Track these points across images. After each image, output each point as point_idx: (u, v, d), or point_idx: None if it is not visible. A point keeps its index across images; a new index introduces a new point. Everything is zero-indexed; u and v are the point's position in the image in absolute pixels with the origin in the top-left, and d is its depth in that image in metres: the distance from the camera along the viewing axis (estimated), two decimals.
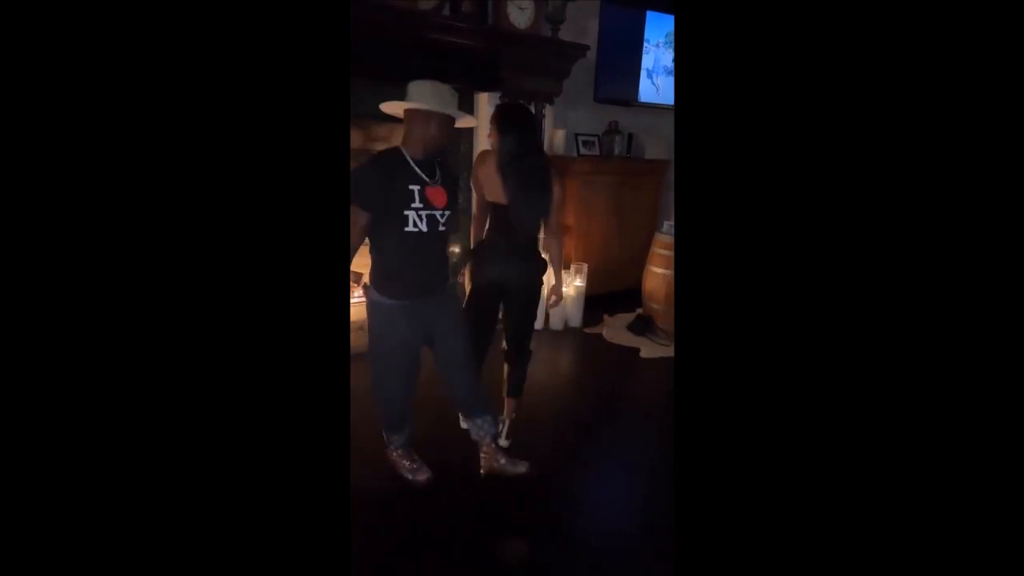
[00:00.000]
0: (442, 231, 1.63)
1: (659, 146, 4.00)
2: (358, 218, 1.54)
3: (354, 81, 2.66)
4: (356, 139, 3.15)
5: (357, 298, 3.19)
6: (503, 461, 1.93)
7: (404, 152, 1.58)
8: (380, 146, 3.28)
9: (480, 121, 3.16)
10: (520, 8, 2.98)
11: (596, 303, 3.73)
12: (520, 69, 3.01)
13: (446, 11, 2.77)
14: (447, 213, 1.62)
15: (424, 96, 1.52)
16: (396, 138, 3.25)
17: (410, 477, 1.89)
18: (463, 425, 2.10)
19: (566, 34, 3.14)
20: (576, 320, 3.56)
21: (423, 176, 1.57)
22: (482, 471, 1.93)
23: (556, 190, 1.88)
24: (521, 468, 1.92)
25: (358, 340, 2.94)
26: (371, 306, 1.69)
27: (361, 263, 2.99)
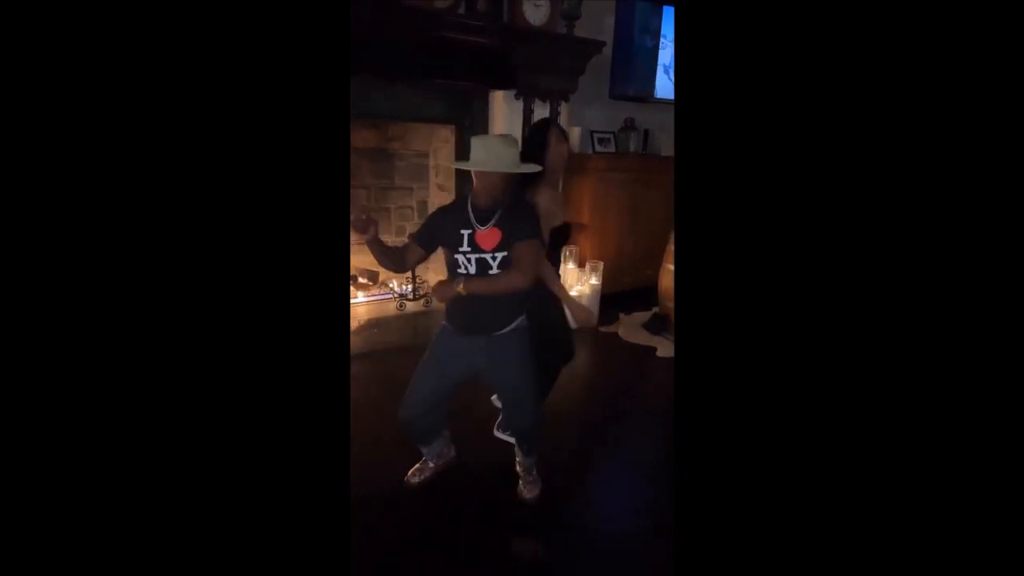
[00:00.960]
0: (494, 275, 1.64)
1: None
2: (411, 251, 1.73)
3: (370, 81, 2.69)
4: (371, 138, 3.18)
5: (358, 299, 3.23)
6: (519, 474, 1.94)
7: (468, 200, 1.66)
8: (395, 145, 3.31)
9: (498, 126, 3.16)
10: (535, 5, 2.96)
11: (612, 301, 3.71)
12: (535, 67, 3.00)
13: (461, 9, 2.77)
14: (500, 256, 1.63)
15: (478, 160, 1.57)
16: (411, 138, 3.30)
17: (408, 472, 1.95)
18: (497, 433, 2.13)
19: (581, 30, 3.12)
20: (591, 319, 3.54)
21: (475, 222, 1.62)
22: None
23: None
24: (528, 494, 1.90)
25: (358, 342, 2.98)
26: (441, 328, 1.82)
27: (367, 260, 2.99)
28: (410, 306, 3.21)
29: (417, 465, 1.96)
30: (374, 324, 3.03)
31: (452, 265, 1.66)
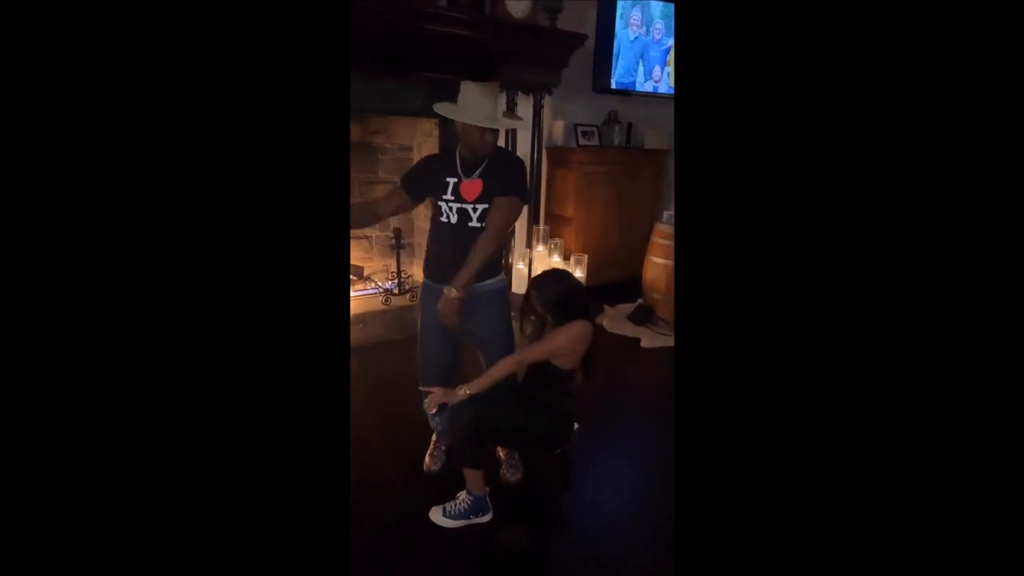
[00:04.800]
0: (474, 227, 1.66)
1: (658, 136, 3.99)
2: (394, 192, 1.75)
3: (352, 74, 2.65)
4: (354, 132, 3.14)
5: (357, 292, 3.21)
6: (501, 458, 1.96)
7: (457, 150, 1.67)
8: (378, 139, 3.28)
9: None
10: None
11: (597, 293, 3.74)
12: (518, 60, 3.00)
13: (443, 2, 2.75)
14: (481, 207, 1.65)
15: (456, 108, 1.58)
16: (394, 131, 3.28)
17: (426, 459, 1.98)
18: None
19: (564, 23, 3.12)
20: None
21: (461, 172, 1.64)
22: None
23: None
24: (511, 477, 1.93)
25: (358, 334, 2.97)
26: (422, 286, 1.86)
27: (360, 257, 3.00)
28: (395, 301, 3.20)
29: (430, 450, 1.98)
30: (360, 319, 3.02)
31: (435, 210, 1.71)
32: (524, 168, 1.71)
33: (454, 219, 1.66)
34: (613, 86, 3.66)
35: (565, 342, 1.60)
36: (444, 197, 1.65)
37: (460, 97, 1.58)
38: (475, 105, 1.55)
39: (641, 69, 3.74)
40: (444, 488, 1.81)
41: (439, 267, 1.74)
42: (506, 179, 1.64)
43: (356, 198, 3.31)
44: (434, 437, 2.01)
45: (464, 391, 1.63)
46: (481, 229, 1.65)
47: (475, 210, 1.65)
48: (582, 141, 3.73)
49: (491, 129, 1.59)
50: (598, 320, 3.54)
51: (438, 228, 1.72)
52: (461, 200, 1.64)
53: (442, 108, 1.64)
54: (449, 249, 1.69)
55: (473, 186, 1.64)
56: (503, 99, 1.63)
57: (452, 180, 1.64)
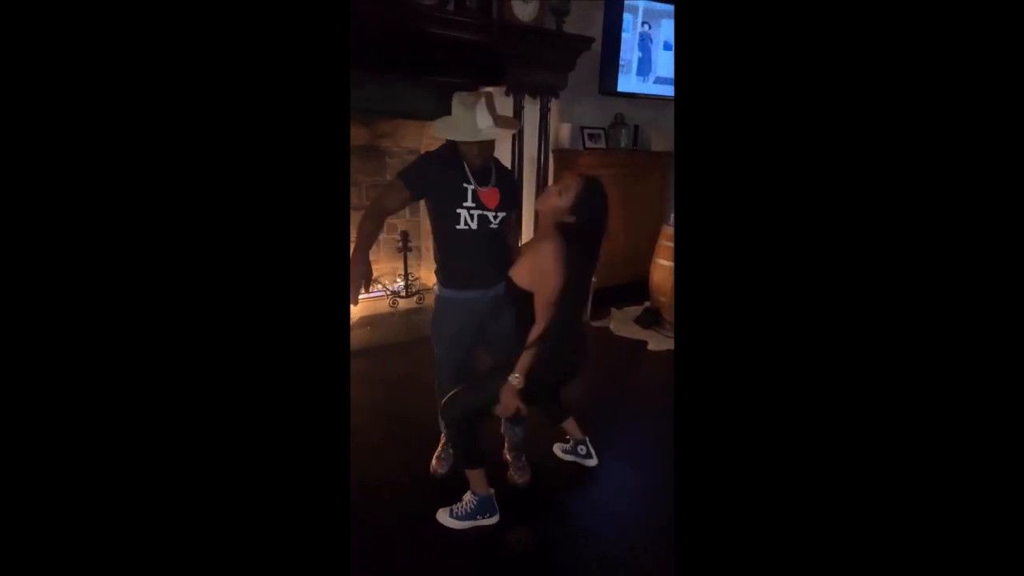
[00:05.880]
0: (494, 229, 1.67)
1: (665, 138, 3.98)
2: (395, 192, 1.61)
3: (359, 76, 2.68)
4: (361, 135, 3.17)
5: (364, 295, 3.23)
6: (509, 460, 1.97)
7: (461, 157, 1.63)
8: (385, 142, 3.30)
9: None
10: (524, 1, 2.97)
11: (603, 296, 3.73)
12: (525, 62, 3.00)
13: (450, 5, 2.77)
14: (500, 215, 1.66)
15: (447, 125, 1.56)
16: (401, 135, 3.29)
17: (433, 461, 1.98)
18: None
19: (571, 26, 3.13)
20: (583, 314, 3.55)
21: (475, 180, 1.63)
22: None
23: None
24: (519, 479, 1.93)
25: (352, 340, 2.97)
26: (436, 296, 1.81)
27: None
28: (402, 303, 3.21)
29: (438, 453, 1.99)
30: (367, 322, 3.03)
31: (449, 218, 1.63)
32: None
33: (474, 225, 1.63)
34: (619, 89, 3.66)
35: (533, 263, 1.49)
36: (464, 204, 1.62)
37: (453, 118, 1.57)
38: (459, 119, 1.55)
39: (645, 72, 3.73)
40: (447, 490, 1.82)
41: (463, 274, 1.71)
42: (511, 193, 1.71)
43: (363, 201, 3.33)
44: (442, 440, 2.01)
45: (516, 379, 1.53)
46: (500, 232, 1.68)
47: (495, 217, 1.65)
48: (589, 144, 3.73)
49: (479, 141, 1.56)
50: (605, 322, 3.53)
51: (455, 235, 1.65)
52: (483, 207, 1.63)
53: (439, 125, 1.60)
54: (475, 254, 1.68)
55: (492, 194, 1.65)
56: (488, 107, 1.56)
57: (470, 187, 1.62)
